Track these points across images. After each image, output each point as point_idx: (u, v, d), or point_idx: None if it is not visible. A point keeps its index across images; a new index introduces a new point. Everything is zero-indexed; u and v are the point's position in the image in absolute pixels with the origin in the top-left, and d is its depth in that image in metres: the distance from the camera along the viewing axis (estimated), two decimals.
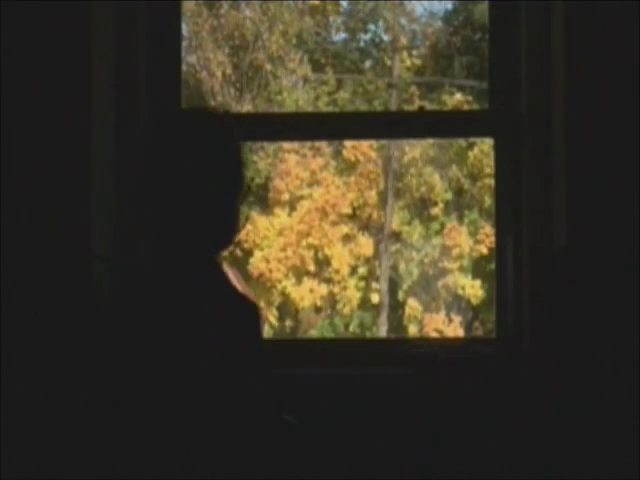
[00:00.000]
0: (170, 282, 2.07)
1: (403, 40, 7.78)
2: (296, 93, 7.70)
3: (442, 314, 7.67)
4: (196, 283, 2.08)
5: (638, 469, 2.57)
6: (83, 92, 2.73)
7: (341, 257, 7.61)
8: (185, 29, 7.35)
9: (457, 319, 7.65)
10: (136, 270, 2.18)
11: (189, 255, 2.08)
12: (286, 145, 7.31)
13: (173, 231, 2.07)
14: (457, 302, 7.70)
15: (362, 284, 7.71)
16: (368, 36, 7.91)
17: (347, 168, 7.83)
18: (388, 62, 7.76)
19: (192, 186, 2.05)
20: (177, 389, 1.99)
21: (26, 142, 2.71)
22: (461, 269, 7.64)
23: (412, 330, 7.56)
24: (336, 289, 7.63)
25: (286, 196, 7.52)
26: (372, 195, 7.74)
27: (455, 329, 7.57)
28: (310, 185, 7.68)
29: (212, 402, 2.00)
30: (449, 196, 7.79)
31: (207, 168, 2.07)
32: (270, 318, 7.50)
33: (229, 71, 7.72)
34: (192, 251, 2.08)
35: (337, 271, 7.62)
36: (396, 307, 7.78)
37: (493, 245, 3.02)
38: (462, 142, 7.47)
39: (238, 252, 7.38)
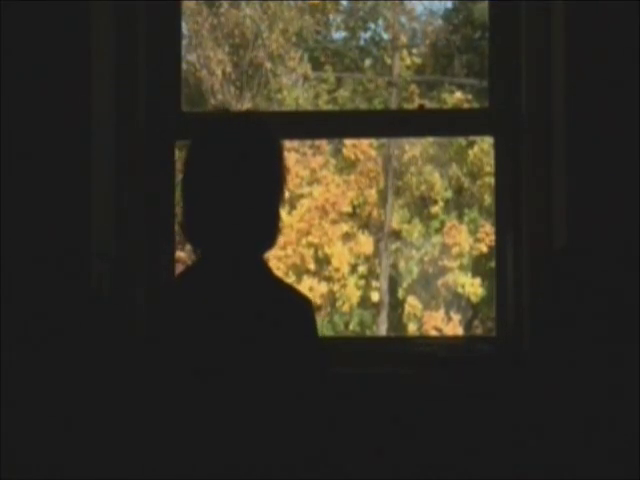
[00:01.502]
0: (223, 280, 2.12)
1: (403, 38, 7.78)
2: (296, 91, 7.70)
3: (442, 312, 7.67)
4: (248, 280, 2.13)
5: (638, 469, 2.57)
6: (83, 92, 2.73)
7: (341, 255, 7.61)
8: (185, 27, 7.34)
9: (456, 317, 7.66)
10: (187, 271, 2.21)
11: (240, 255, 2.13)
12: (286, 143, 7.28)
13: (222, 233, 2.12)
14: (457, 300, 7.71)
15: (362, 282, 7.72)
16: (368, 34, 7.91)
17: (347, 166, 7.83)
18: (388, 60, 7.76)
19: (240, 190, 2.10)
20: (230, 385, 2.03)
21: (26, 142, 2.71)
22: (461, 267, 7.64)
23: (412, 328, 7.56)
24: (336, 287, 7.63)
25: (286, 194, 7.50)
26: (372, 193, 7.74)
27: (454, 327, 7.58)
28: (310, 183, 7.69)
29: (266, 395, 2.04)
30: (449, 194, 7.79)
31: (255, 172, 2.13)
32: None
33: (229, 69, 7.72)
34: (242, 251, 2.13)
35: (337, 269, 7.62)
36: (396, 305, 7.78)
37: (493, 244, 3.02)
38: (462, 141, 7.47)
39: None
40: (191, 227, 2.15)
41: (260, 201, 2.13)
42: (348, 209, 7.72)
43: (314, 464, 2.07)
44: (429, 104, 7.12)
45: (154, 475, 2.07)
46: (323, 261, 7.67)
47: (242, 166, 2.11)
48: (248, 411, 2.02)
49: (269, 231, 2.17)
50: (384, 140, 7.49)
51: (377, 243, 7.77)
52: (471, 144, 7.55)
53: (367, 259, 7.77)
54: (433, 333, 7.38)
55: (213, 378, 2.03)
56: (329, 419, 2.13)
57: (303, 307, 2.13)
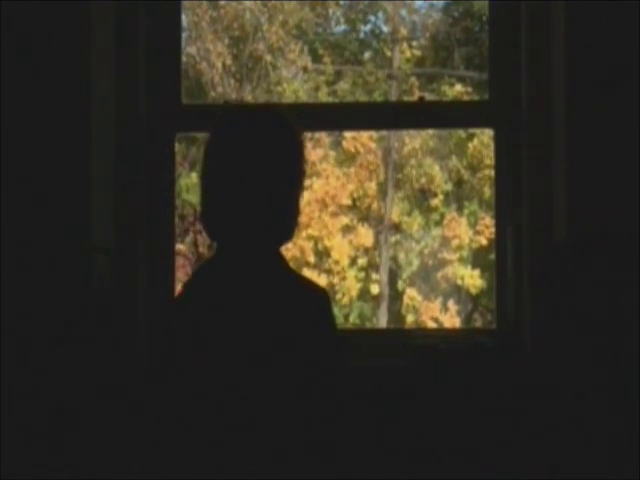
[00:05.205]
0: (239, 273, 2.11)
1: (403, 31, 7.76)
2: (295, 84, 7.69)
3: (441, 304, 7.67)
4: (264, 273, 2.12)
5: (638, 466, 2.58)
6: (84, 85, 2.73)
7: (341, 248, 7.60)
8: (185, 20, 7.33)
9: (455, 308, 7.66)
10: (205, 264, 2.21)
11: (257, 247, 2.12)
12: None
13: (240, 225, 2.11)
14: (457, 293, 7.71)
15: (362, 275, 7.71)
16: (368, 27, 7.90)
17: (347, 159, 7.82)
18: (388, 53, 7.74)
19: (259, 182, 2.09)
20: (247, 379, 2.02)
21: (27, 141, 2.71)
22: (461, 260, 7.64)
23: (410, 320, 7.57)
24: (336, 280, 7.63)
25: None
26: (372, 186, 7.73)
27: (452, 317, 7.58)
28: (310, 176, 7.68)
29: (284, 388, 2.03)
30: (449, 187, 7.79)
31: (274, 165, 2.11)
32: None
33: (229, 62, 7.71)
34: (259, 244, 2.12)
35: (337, 262, 7.62)
36: (396, 298, 7.78)
37: (493, 236, 3.03)
38: (462, 133, 7.46)
39: None
40: (209, 218, 2.14)
41: (279, 193, 2.12)
42: (348, 202, 7.71)
43: (323, 456, 2.08)
44: (429, 97, 7.11)
45: (160, 475, 2.06)
46: (323, 254, 7.67)
47: (261, 158, 2.10)
48: (265, 404, 2.02)
49: (287, 224, 2.15)
50: (384, 133, 7.49)
51: (377, 236, 7.77)
52: (471, 137, 7.54)
53: (367, 251, 7.77)
54: (430, 324, 7.39)
55: (230, 371, 2.02)
56: (343, 412, 2.13)
57: (319, 299, 2.12)
